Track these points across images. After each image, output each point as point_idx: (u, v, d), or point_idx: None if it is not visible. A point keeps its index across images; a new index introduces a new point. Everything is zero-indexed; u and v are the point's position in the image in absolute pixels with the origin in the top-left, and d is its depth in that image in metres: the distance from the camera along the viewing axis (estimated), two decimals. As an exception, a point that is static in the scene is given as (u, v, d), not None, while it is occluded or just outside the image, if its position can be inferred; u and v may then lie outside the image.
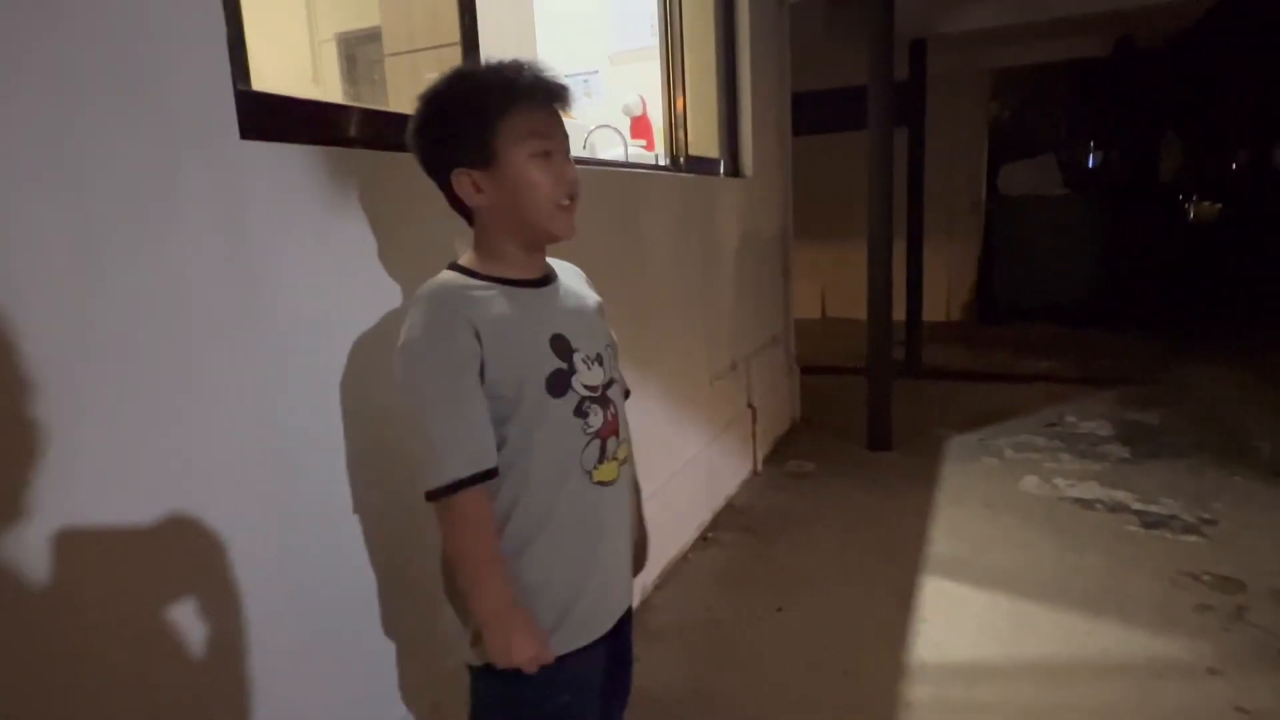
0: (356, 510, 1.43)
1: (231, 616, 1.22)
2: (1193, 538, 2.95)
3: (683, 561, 2.96)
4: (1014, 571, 2.78)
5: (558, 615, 1.13)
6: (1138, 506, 3.24)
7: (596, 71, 3.95)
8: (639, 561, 1.38)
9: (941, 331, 7.17)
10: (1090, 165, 10.11)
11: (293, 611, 1.31)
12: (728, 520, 3.35)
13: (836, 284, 8.31)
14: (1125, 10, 5.39)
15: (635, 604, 2.53)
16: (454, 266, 1.14)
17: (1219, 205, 8.52)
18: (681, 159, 3.16)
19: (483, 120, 1.07)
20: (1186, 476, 3.54)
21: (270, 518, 1.27)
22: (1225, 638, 2.31)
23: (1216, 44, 7.27)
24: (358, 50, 2.94)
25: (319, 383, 1.36)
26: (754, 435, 3.88)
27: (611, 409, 1.17)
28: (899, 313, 4.98)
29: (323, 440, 1.37)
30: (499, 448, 1.07)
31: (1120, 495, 3.36)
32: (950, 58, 6.59)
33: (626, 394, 1.35)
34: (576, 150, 2.97)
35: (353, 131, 1.51)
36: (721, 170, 3.67)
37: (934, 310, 7.35)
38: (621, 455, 1.20)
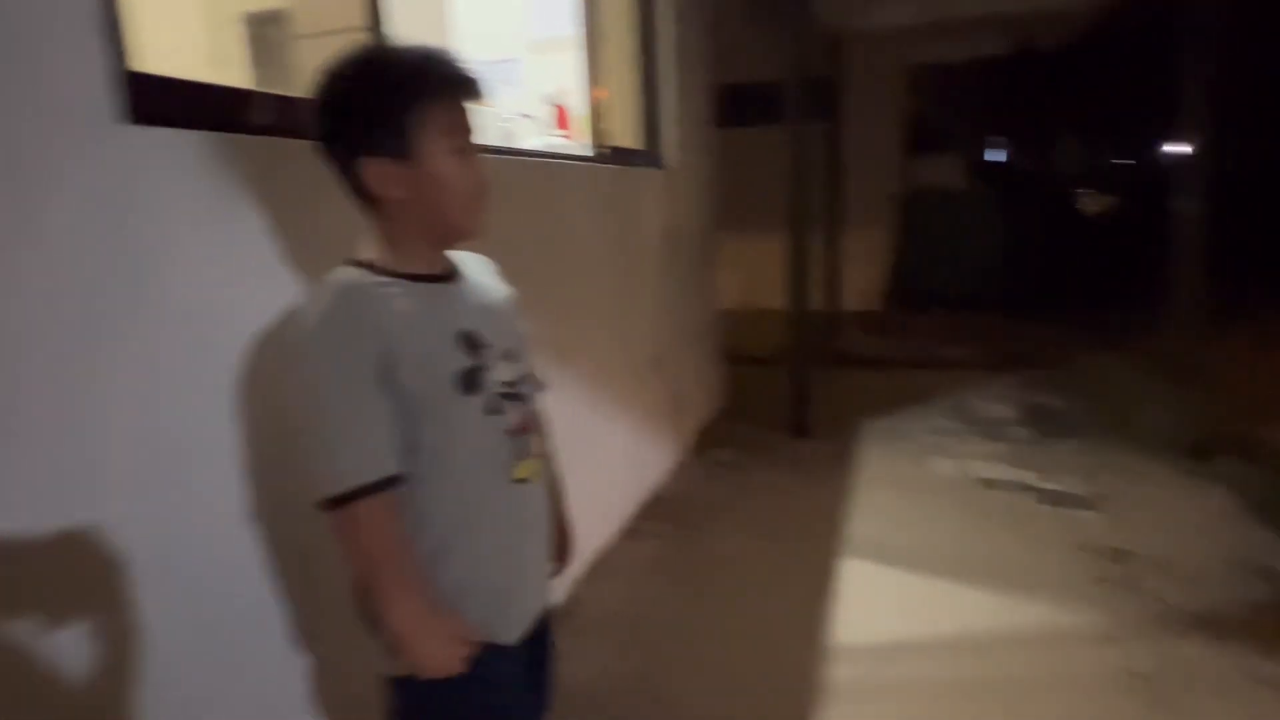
0: (257, 517, 1.36)
1: (118, 633, 1.14)
2: (1088, 513, 3.13)
3: (610, 554, 2.96)
4: (927, 551, 2.88)
5: (483, 618, 1.10)
6: (1039, 485, 3.42)
7: (515, 60, 3.88)
8: (563, 558, 1.36)
9: (860, 320, 7.38)
10: (995, 160, 10.59)
11: (189, 624, 1.24)
12: (654, 510, 3.37)
13: (759, 274, 8.42)
14: (1025, 13, 5.64)
15: (561, 599, 2.53)
16: (355, 262, 1.08)
17: (1110, 199, 9.05)
18: (602, 149, 3.13)
19: (400, 110, 1.01)
20: (1084, 455, 3.75)
21: (160, 526, 1.19)
22: (1119, 607, 2.46)
23: (1108, 47, 7.70)
24: (264, 32, 2.81)
25: (214, 382, 1.29)
26: (679, 425, 3.90)
27: (527, 405, 1.15)
28: (819, 302, 5.11)
29: (218, 442, 1.29)
30: (410, 451, 1.03)
31: (1024, 475, 3.53)
32: (866, 54, 6.77)
33: (542, 389, 1.33)
34: (495, 140, 2.92)
35: (254, 117, 1.43)
36: (644, 161, 3.66)
37: (853, 299, 7.55)
38: (539, 451, 1.17)
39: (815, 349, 4.74)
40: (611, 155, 3.20)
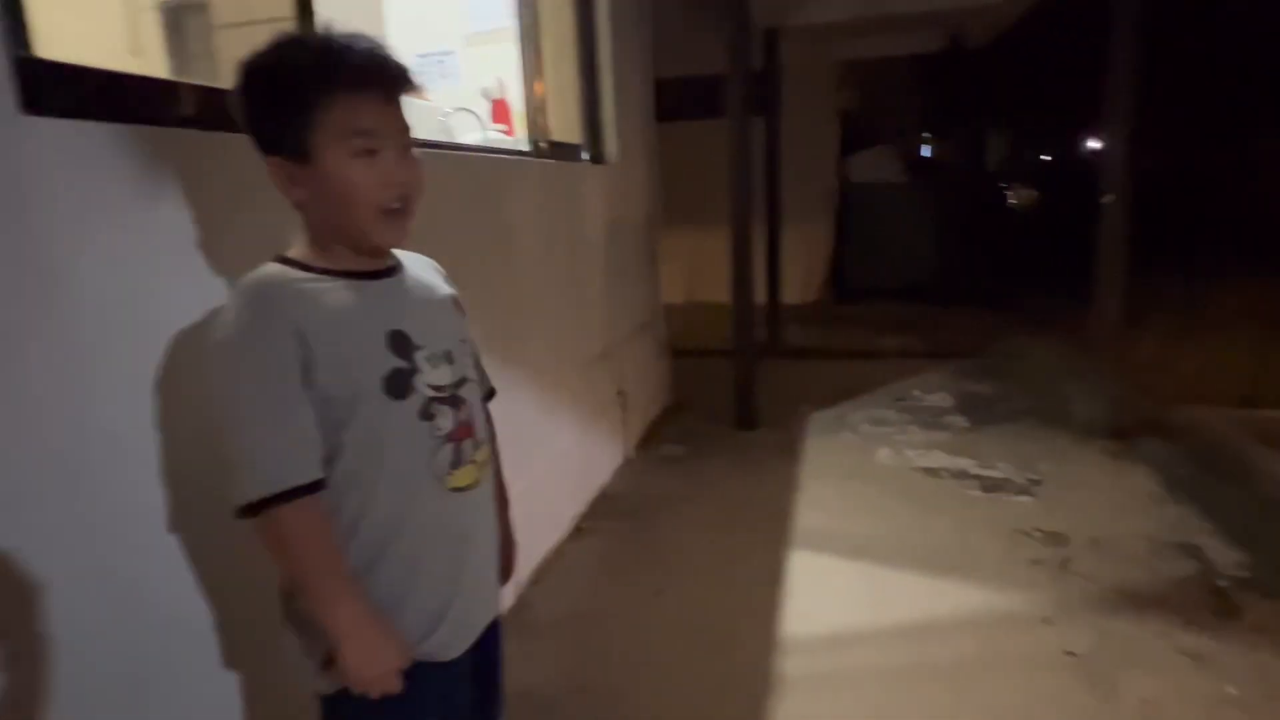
0: (181, 526, 1.28)
1: (26, 654, 1.06)
2: (1024, 498, 3.24)
3: (558, 554, 2.92)
4: (872, 540, 2.94)
5: (422, 631, 1.06)
6: (977, 472, 3.52)
7: (451, 53, 3.79)
8: (506, 568, 1.32)
9: (801, 312, 7.48)
10: (926, 154, 10.87)
11: (106, 643, 1.16)
12: (602, 508, 3.34)
13: (701, 268, 8.48)
14: (953, 10, 5.78)
15: (509, 604, 2.48)
16: (282, 258, 1.02)
17: (1036, 192, 9.39)
18: (542, 144, 3.09)
19: (297, 109, 0.95)
20: (1017, 441, 3.88)
21: (73, 539, 1.11)
22: (1054, 587, 2.55)
23: (1032, 45, 7.98)
24: (185, 20, 2.68)
25: (131, 386, 1.21)
26: (625, 422, 3.89)
27: (465, 410, 1.09)
28: (760, 295, 5.15)
29: (135, 449, 1.22)
30: (336, 456, 0.98)
31: (962, 462, 3.63)
32: (802, 49, 6.85)
33: (491, 393, 1.28)
34: (432, 134, 2.84)
35: (173, 109, 1.35)
36: (585, 156, 3.62)
37: (793, 292, 7.65)
38: (480, 458, 1.12)
39: (759, 341, 4.79)
40: (551, 150, 3.15)
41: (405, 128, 1.02)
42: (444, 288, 1.17)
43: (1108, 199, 3.74)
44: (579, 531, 3.13)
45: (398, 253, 1.14)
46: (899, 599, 2.53)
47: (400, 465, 1.02)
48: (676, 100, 6.64)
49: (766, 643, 2.32)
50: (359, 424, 0.98)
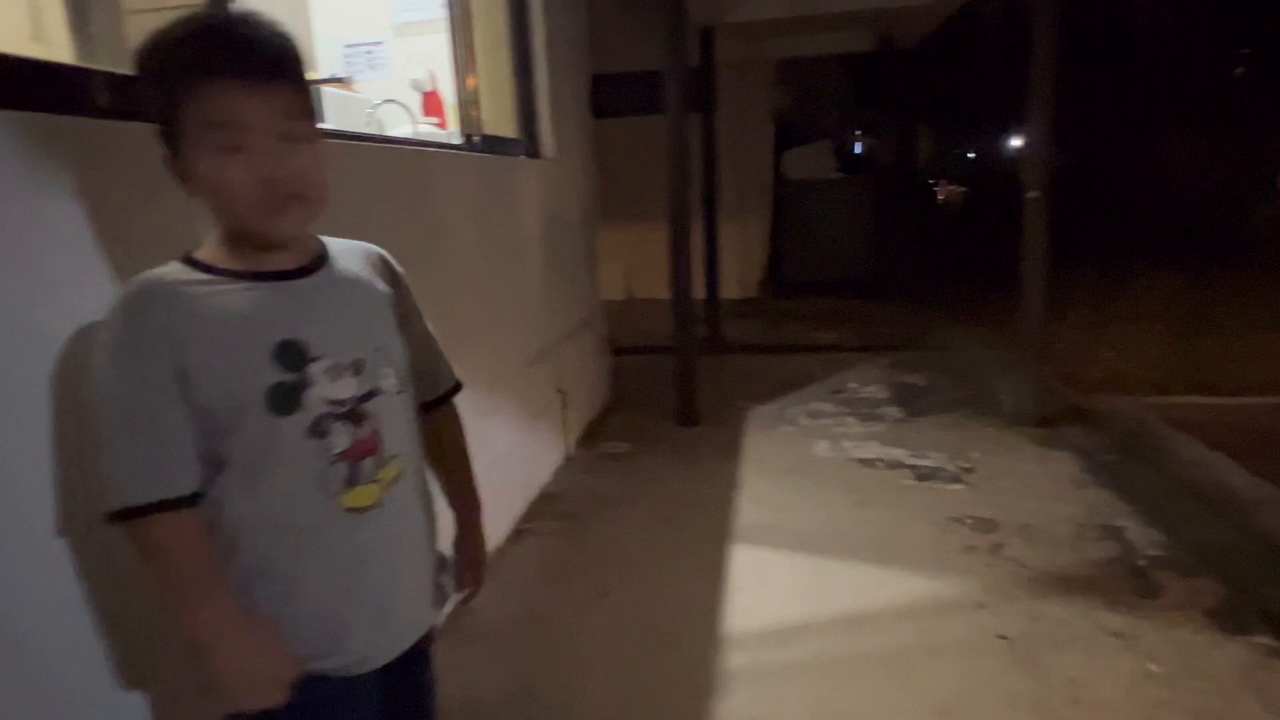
0: (64, 531, 1.18)
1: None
2: (957, 486, 3.33)
3: (498, 557, 2.86)
4: (812, 532, 2.97)
5: (309, 654, 0.99)
6: (912, 461, 3.60)
7: (381, 42, 3.67)
8: (475, 580, 1.26)
9: (740, 307, 7.55)
10: (859, 151, 11.11)
11: None
12: (543, 509, 3.30)
13: (640, 265, 8.47)
14: (881, 10, 5.91)
15: (446, 613, 2.42)
16: (187, 257, 0.96)
17: (963, 189, 9.69)
18: (475, 138, 3.02)
19: (165, 102, 0.89)
20: (949, 431, 3.98)
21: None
22: (987, 573, 2.62)
23: (960, 46, 8.23)
24: (91, 5, 2.52)
25: (21, 386, 1.11)
26: (566, 420, 3.85)
27: (370, 425, 1.00)
28: (699, 291, 5.17)
29: (18, 454, 1.12)
30: (219, 468, 0.93)
31: (897, 453, 3.71)
32: (738, 46, 6.90)
33: (455, 389, 1.24)
34: (359, 126, 2.74)
35: (74, 96, 1.25)
36: (520, 150, 3.56)
37: (732, 287, 7.71)
38: (389, 475, 1.02)
39: (700, 337, 4.80)
40: (485, 143, 3.08)
41: (284, 115, 0.91)
42: (376, 286, 1.08)
43: (1031, 195, 3.87)
44: (519, 533, 3.07)
45: (336, 243, 1.07)
46: (839, 590, 2.56)
47: (284, 484, 0.95)
48: (615, 96, 6.61)
49: (710, 639, 2.32)
50: (241, 438, 0.92)
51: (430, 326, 1.22)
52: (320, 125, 1.23)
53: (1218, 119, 10.03)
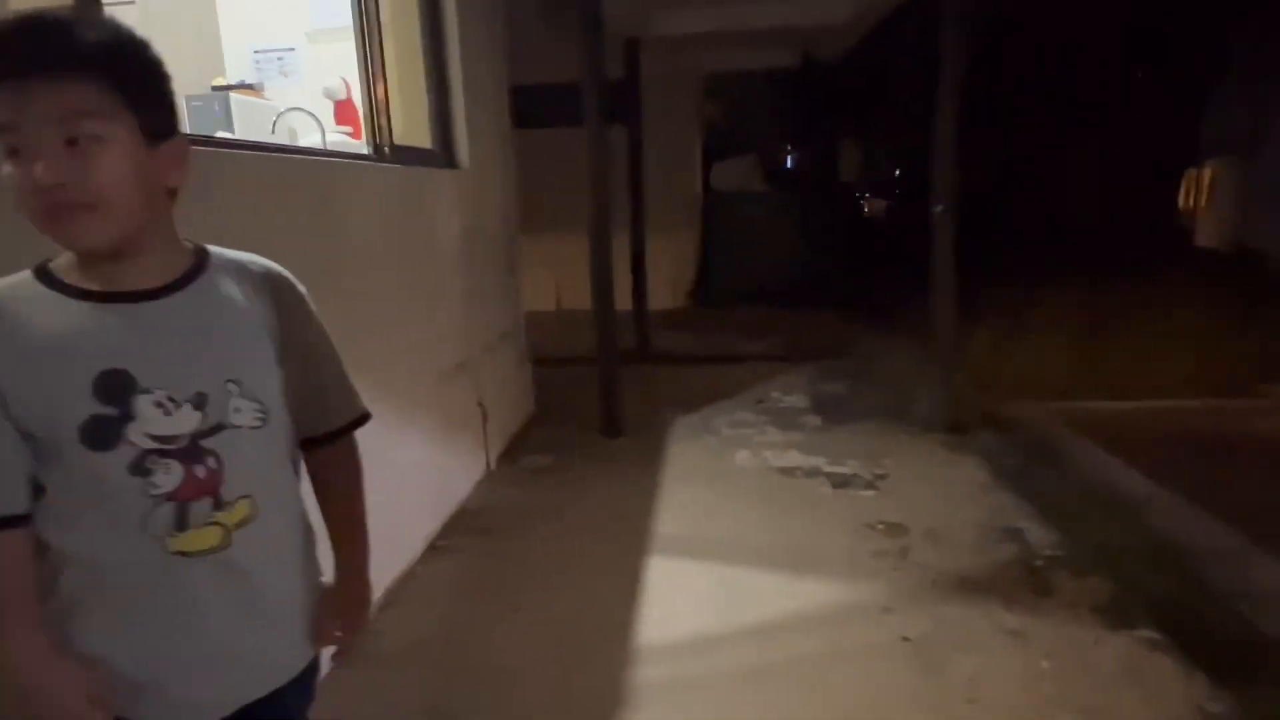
0: None
1: None
2: (870, 492, 3.41)
3: (409, 577, 2.80)
4: (729, 542, 3.00)
5: (126, 701, 0.93)
6: (828, 469, 3.67)
7: (293, 49, 3.57)
8: (352, 625, 1.16)
9: (669, 318, 7.60)
10: (786, 165, 11.36)
11: None
12: (460, 525, 3.24)
13: (570, 276, 8.44)
14: (802, 26, 6.05)
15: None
16: (41, 266, 0.91)
17: (885, 202, 9.98)
18: (386, 149, 2.96)
19: None
20: (865, 438, 4.08)
21: None
22: (895, 577, 2.69)
23: (878, 62, 8.50)
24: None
25: None
26: (486, 434, 3.79)
27: (209, 463, 0.92)
28: (627, 302, 5.19)
29: None
30: (42, 493, 0.88)
31: (815, 461, 3.78)
32: (665, 59, 6.96)
33: (354, 422, 1.13)
34: (265, 135, 2.66)
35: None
36: (435, 161, 3.51)
37: (662, 298, 7.76)
38: (235, 518, 0.94)
39: (627, 348, 4.81)
40: (396, 154, 3.03)
41: (70, 116, 0.82)
42: (251, 310, 0.99)
43: (937, 209, 4.01)
44: (434, 550, 3.01)
45: (226, 259, 0.99)
46: (752, 599, 2.59)
47: (105, 521, 0.89)
48: (539, 107, 6.59)
49: (624, 652, 2.31)
50: (61, 468, 0.87)
51: (331, 354, 1.11)
52: (186, 129, 1.14)
53: (1120, 135, 10.62)
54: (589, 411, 4.36)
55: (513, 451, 4.08)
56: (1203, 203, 8.68)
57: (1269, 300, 5.92)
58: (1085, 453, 3.73)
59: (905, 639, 2.32)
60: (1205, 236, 8.70)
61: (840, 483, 3.52)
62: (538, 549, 3.02)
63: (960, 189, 4.03)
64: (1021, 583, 2.61)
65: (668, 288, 8.26)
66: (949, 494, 3.36)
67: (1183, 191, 9.00)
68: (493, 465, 3.84)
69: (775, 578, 2.72)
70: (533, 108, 5.78)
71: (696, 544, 3.00)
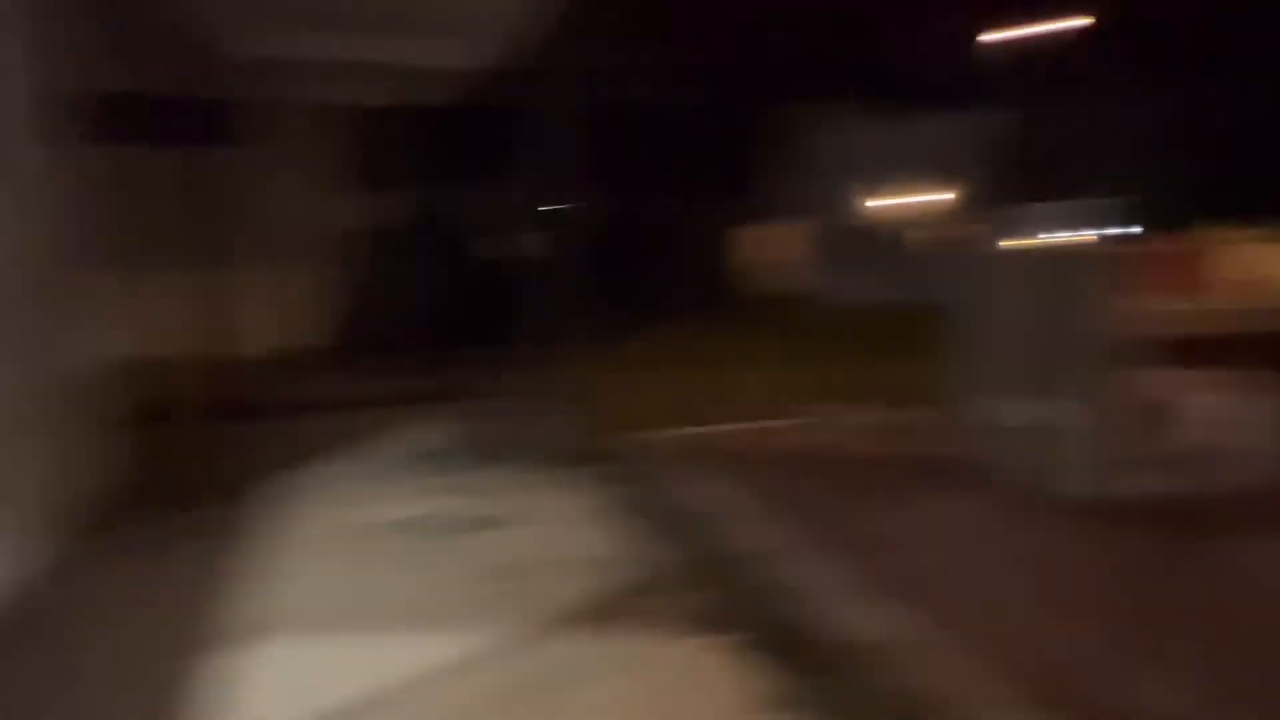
0: None
1: None
2: (495, 532, 3.39)
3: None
4: (338, 610, 2.74)
5: None
6: (454, 514, 3.58)
7: None
8: None
9: (289, 364, 6.91)
10: (436, 205, 11.20)
11: None
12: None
13: (167, 318, 7.32)
14: (402, 66, 6.04)
15: None
16: None
17: (507, 247, 10.37)
18: None
19: None
20: (494, 478, 4.10)
21: None
22: (521, 617, 2.64)
23: (519, 112, 8.80)
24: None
25: None
26: (22, 521, 3.01)
27: None
28: (234, 346, 4.59)
29: None
30: None
31: (439, 506, 3.67)
32: (311, 88, 6.46)
33: None
34: None
35: None
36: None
37: (287, 341, 7.07)
38: None
39: (223, 400, 4.23)
40: None
41: None
42: None
43: (560, 256, 4.23)
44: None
45: None
46: (369, 670, 2.34)
47: None
48: (136, 121, 5.64)
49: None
50: None
51: None
52: None
53: (713, 198, 12.45)
54: (179, 476, 3.72)
55: (88, 531, 3.30)
56: (775, 255, 10.61)
57: (818, 333, 7.31)
58: (690, 475, 4.15)
59: (527, 680, 2.29)
60: (777, 283, 10.64)
61: (467, 527, 3.44)
62: (92, 657, 2.43)
63: (592, 241, 4.30)
64: (637, 608, 2.75)
65: (300, 330, 7.58)
66: (577, 524, 3.48)
67: (760, 246, 10.91)
68: (50, 552, 3.05)
69: (392, 642, 2.51)
70: (118, 120, 4.91)
71: (304, 619, 2.67)
